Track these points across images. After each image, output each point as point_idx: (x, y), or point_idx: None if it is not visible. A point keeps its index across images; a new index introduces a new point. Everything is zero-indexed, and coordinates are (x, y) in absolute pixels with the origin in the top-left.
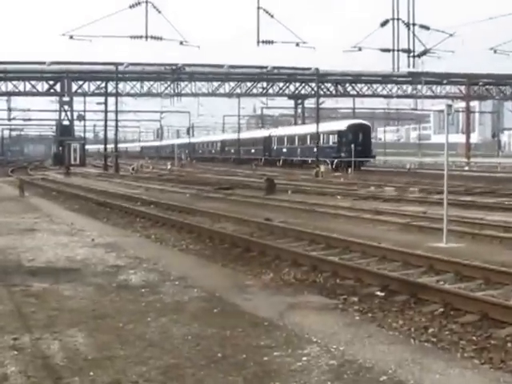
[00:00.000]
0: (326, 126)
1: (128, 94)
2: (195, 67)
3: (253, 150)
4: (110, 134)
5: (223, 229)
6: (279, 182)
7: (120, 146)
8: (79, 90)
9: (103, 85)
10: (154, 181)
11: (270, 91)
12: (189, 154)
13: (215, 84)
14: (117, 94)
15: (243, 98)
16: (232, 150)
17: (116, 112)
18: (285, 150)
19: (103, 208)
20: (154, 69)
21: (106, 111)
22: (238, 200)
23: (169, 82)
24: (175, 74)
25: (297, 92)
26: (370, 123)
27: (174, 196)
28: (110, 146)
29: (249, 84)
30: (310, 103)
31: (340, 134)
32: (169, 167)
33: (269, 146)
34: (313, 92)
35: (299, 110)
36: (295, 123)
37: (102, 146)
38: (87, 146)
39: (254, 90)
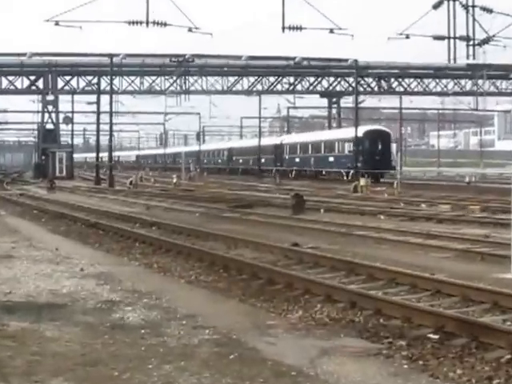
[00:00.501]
0: (340, 133)
1: (125, 92)
2: (207, 59)
3: (263, 160)
4: (104, 140)
5: (241, 256)
6: (308, 198)
7: (117, 154)
8: (66, 87)
9: (95, 80)
10: (157, 197)
11: (299, 87)
12: (199, 165)
13: (231, 79)
14: (111, 92)
15: (265, 95)
16: (241, 160)
17: (110, 113)
18: (298, 159)
19: (95, 230)
20: (156, 61)
21: (98, 112)
22: (259, 221)
23: (175, 77)
24: (182, 68)
25: (331, 88)
26: (388, 129)
27: (181, 216)
28: (104, 155)
29: (272, 79)
30: (346, 102)
31: (356, 141)
32: (174, 180)
33: (280, 156)
34: (350, 88)
35: (334, 111)
36: (329, 126)
37: (93, 155)
38: (76, 155)
39: (279, 87)
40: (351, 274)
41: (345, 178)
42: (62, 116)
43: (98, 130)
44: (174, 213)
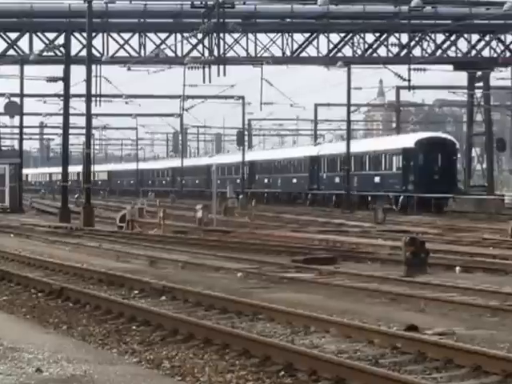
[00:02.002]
0: (385, 143)
1: (114, 61)
2: (256, 1)
3: (294, 180)
4: (77, 145)
5: (316, 348)
6: (431, 245)
7: (101, 168)
8: (10, 52)
9: (61, 40)
10: (169, 244)
11: (416, 52)
12: (242, 188)
13: (298, 38)
14: (89, 60)
15: (358, 67)
16: (266, 180)
17: (88, 98)
18: (337, 179)
19: (60, 303)
20: (167, 7)
21: (66, 96)
22: (348, 286)
23: (200, 35)
24: (212, 18)
25: (473, 54)
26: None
27: (211, 277)
28: (76, 170)
29: (370, 38)
30: (502, 78)
31: (406, 154)
32: (199, 215)
33: (316, 174)
34: (508, 54)
35: (479, 93)
36: (469, 120)
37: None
38: (28, 171)
39: (382, 51)
40: None
41: (394, 206)
42: (1, 101)
43: (65, 127)
44: (199, 271)
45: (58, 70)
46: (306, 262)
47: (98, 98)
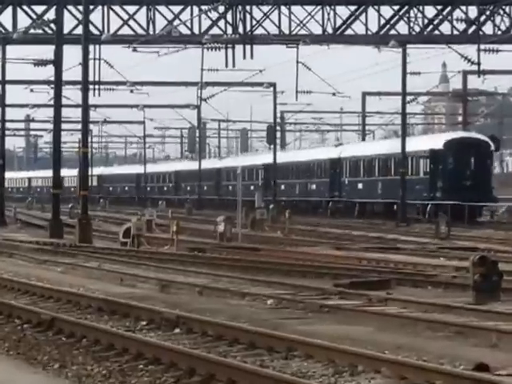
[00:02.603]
0: (411, 143)
1: (116, 40)
2: None
3: (313, 187)
4: (70, 143)
5: None
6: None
7: (100, 171)
8: None
9: (52, 15)
10: (183, 263)
11: (487, 29)
12: (273, 195)
13: (341, 13)
14: (86, 39)
15: (414, 47)
16: (283, 187)
17: (85, 85)
18: (360, 185)
19: (51, 337)
20: None
21: (57, 81)
22: (404, 316)
23: (221, 9)
24: None
25: None
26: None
27: (235, 305)
28: (70, 175)
29: (430, 11)
30: None
31: (434, 156)
32: (220, 229)
33: (338, 179)
34: None
35: None
36: None
37: (46, 174)
38: (10, 174)
39: (444, 28)
40: None
41: (421, 215)
42: None
43: (56, 121)
44: (220, 298)
45: (47, 52)
46: (351, 286)
47: (96, 86)
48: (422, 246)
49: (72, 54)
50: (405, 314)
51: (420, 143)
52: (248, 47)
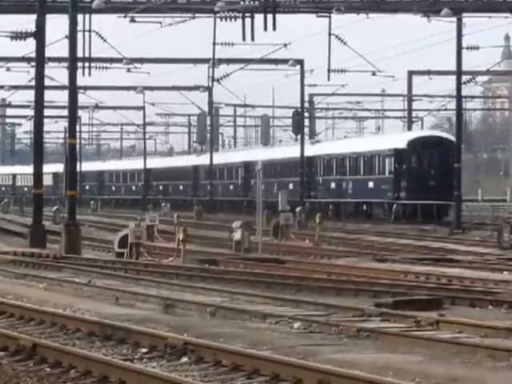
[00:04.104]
0: (373, 142)
1: (110, 7)
2: None
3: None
4: (54, 133)
5: None
6: None
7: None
8: None
9: None
10: (192, 279)
11: None
12: (302, 198)
13: None
14: (74, 7)
15: (471, 15)
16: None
17: (72, 62)
18: (333, 184)
19: (32, 367)
20: None
21: (39, 60)
22: (459, 342)
23: None
24: None
25: None
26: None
27: (254, 327)
28: (53, 170)
29: None
30: None
31: (398, 156)
32: (236, 236)
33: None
34: None
35: None
36: None
37: (25, 171)
38: None
39: None
40: None
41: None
42: None
43: (38, 106)
44: (236, 320)
45: (27, 23)
46: (396, 306)
47: (86, 64)
48: (481, 258)
49: (57, 26)
50: (460, 340)
51: (383, 142)
52: (270, 16)
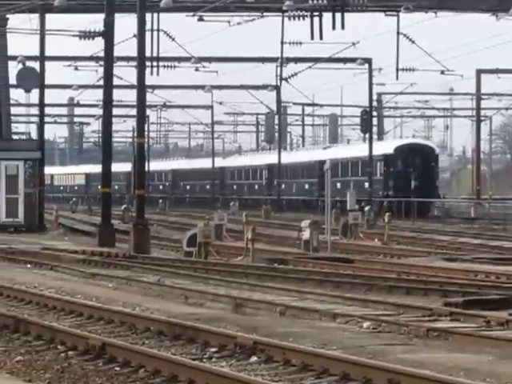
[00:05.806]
0: (363, 149)
1: (179, 6)
2: None
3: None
4: (122, 132)
5: None
6: None
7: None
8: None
9: None
10: (261, 278)
11: None
12: (371, 197)
13: None
14: (142, 6)
15: None
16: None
17: (141, 62)
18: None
19: (101, 366)
20: None
21: (108, 59)
22: None
23: None
24: None
25: None
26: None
27: (323, 327)
28: (122, 170)
29: None
30: None
31: (387, 160)
32: (306, 236)
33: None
34: None
35: None
36: None
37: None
38: (51, 169)
39: None
40: None
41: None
42: (13, 66)
43: (106, 105)
44: (305, 320)
45: (95, 22)
46: (466, 305)
47: (154, 63)
48: None
49: (125, 25)
50: None
51: (376, 148)
52: (338, 15)
